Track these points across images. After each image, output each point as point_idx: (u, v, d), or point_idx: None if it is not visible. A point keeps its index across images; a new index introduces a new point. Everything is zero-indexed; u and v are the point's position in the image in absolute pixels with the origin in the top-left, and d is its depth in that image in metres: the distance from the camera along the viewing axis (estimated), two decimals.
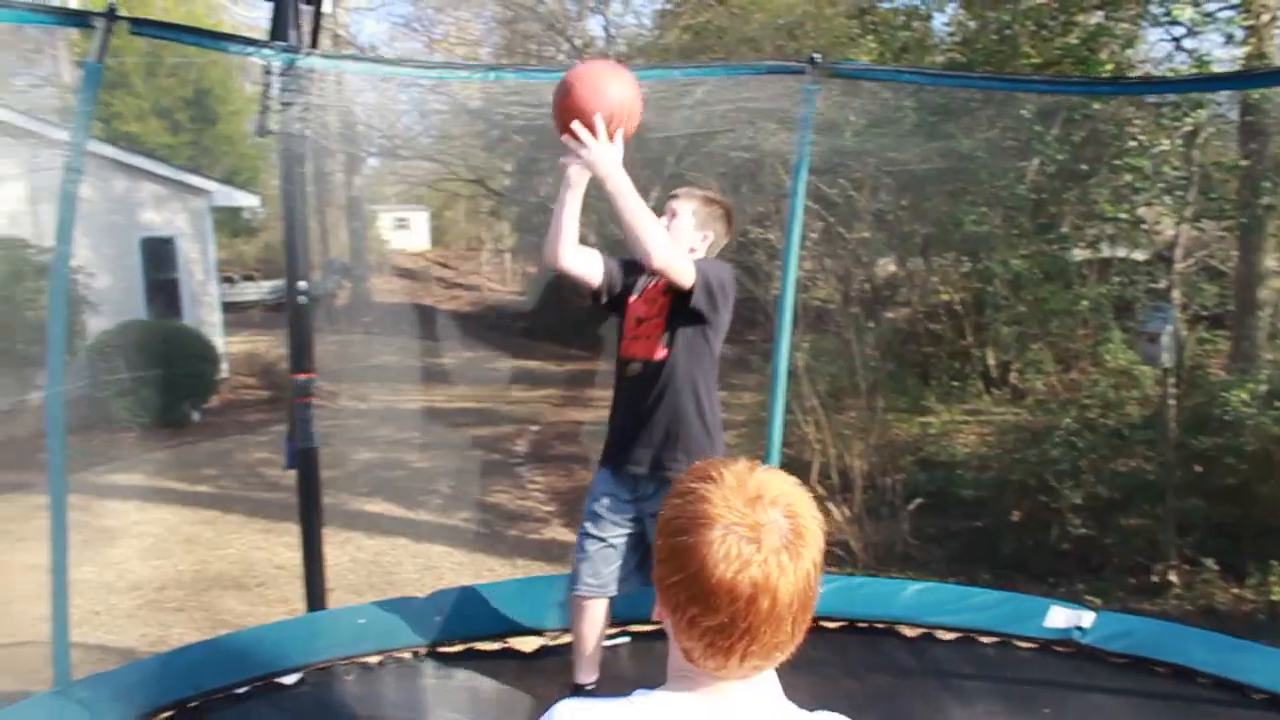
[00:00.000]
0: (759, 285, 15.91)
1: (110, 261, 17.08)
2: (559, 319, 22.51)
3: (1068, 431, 10.05)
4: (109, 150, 18.67)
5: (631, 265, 3.69)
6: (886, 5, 17.97)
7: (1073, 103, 12.30)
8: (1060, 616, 4.45)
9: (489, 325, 27.20)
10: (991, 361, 14.37)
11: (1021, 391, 13.65)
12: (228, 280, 27.34)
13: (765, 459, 4.85)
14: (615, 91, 3.07)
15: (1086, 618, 4.40)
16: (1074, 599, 7.67)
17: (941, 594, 4.81)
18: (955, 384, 13.86)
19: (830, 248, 17.02)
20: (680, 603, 1.27)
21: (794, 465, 10.87)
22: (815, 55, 4.49)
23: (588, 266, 3.65)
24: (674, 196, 3.73)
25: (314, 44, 3.99)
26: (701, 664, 1.30)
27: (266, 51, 3.67)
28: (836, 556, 10.02)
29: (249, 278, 31.89)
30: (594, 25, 16.83)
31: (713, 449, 3.61)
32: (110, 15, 3.17)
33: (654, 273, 3.43)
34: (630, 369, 3.65)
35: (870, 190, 14.30)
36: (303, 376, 3.80)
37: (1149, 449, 9.89)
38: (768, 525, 1.26)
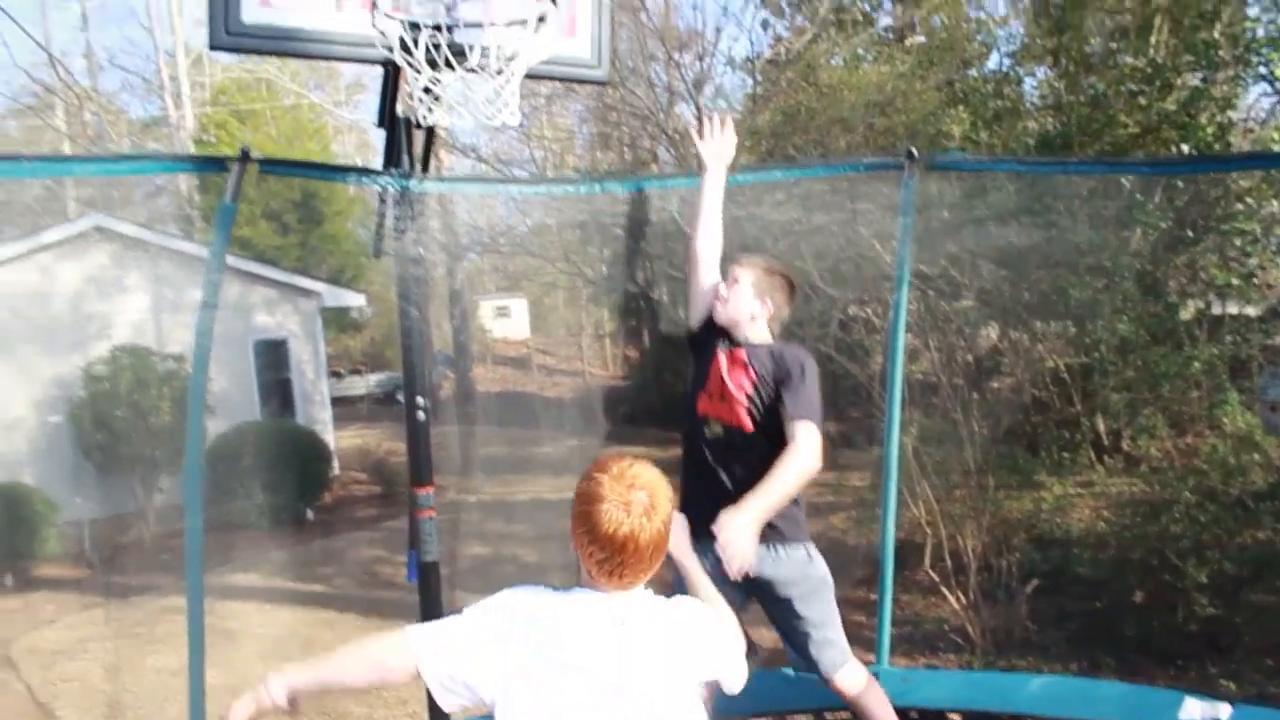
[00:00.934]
0: (859, 363, 15.84)
1: (226, 365, 17.67)
2: (661, 402, 22.58)
3: (1188, 505, 9.72)
4: (227, 259, 19.40)
5: (715, 326, 3.76)
6: (974, 73, 18.07)
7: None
8: (1195, 709, 4.29)
9: (592, 410, 27.40)
10: (1102, 429, 14.01)
11: (1135, 459, 13.27)
12: (335, 375, 28.07)
13: (881, 544, 4.84)
14: None
15: (1223, 710, 4.24)
16: (1205, 684, 7.38)
17: (1067, 687, 4.70)
18: (1065, 454, 13.51)
19: (931, 319, 16.90)
20: (584, 545, 2.17)
21: (906, 549, 10.71)
22: (912, 149, 4.52)
23: (701, 279, 3.84)
24: (736, 264, 3.78)
25: (425, 167, 4.15)
26: (597, 580, 2.21)
27: (382, 180, 3.84)
28: (954, 643, 9.79)
29: (356, 371, 32.71)
30: (686, 113, 17.10)
31: (799, 513, 3.61)
32: (244, 158, 3.36)
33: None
34: (710, 429, 3.64)
35: (970, 263, 14.21)
36: (423, 490, 3.89)
37: (1277, 520, 9.50)
38: (634, 501, 2.14)
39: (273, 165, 3.43)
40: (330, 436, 20.07)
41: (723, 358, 3.66)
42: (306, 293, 20.23)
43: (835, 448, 17.95)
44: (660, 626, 2.24)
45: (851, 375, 15.78)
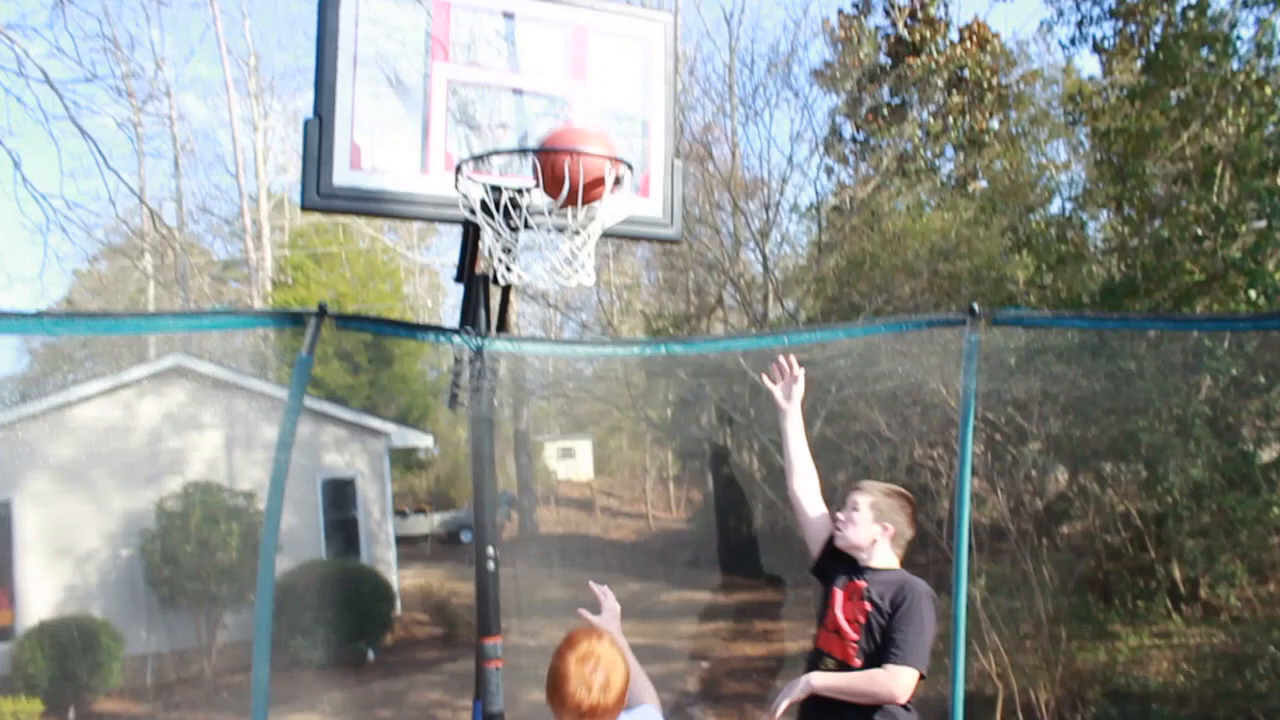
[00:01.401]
0: (925, 509, 15.64)
1: (294, 503, 17.88)
2: (725, 547, 22.39)
3: (1273, 658, 9.37)
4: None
5: (838, 551, 3.79)
6: (1037, 218, 18.22)
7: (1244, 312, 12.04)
8: None
9: (655, 554, 27.19)
10: (1178, 576, 13.62)
11: (1214, 608, 12.85)
12: (400, 514, 28.21)
13: (950, 698, 4.75)
14: None
15: None
16: None
17: None
18: (1140, 603, 13.13)
19: (998, 464, 16.71)
20: (558, 712, 2.64)
21: (976, 702, 10.39)
22: (974, 305, 4.57)
23: (808, 514, 3.96)
24: (855, 489, 3.81)
25: (502, 323, 4.29)
26: None
27: (457, 339, 3.99)
28: None
29: (420, 510, 32.81)
30: (752, 259, 17.39)
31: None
32: (321, 313, 3.52)
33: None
34: (825, 664, 3.66)
35: (1036, 408, 14.10)
36: (491, 641, 3.92)
37: None
38: (594, 681, 2.60)
39: (347, 321, 3.57)
40: (394, 576, 20.09)
41: (839, 594, 3.70)
42: (375, 432, 20.53)
43: None
44: None
45: (917, 522, 15.60)
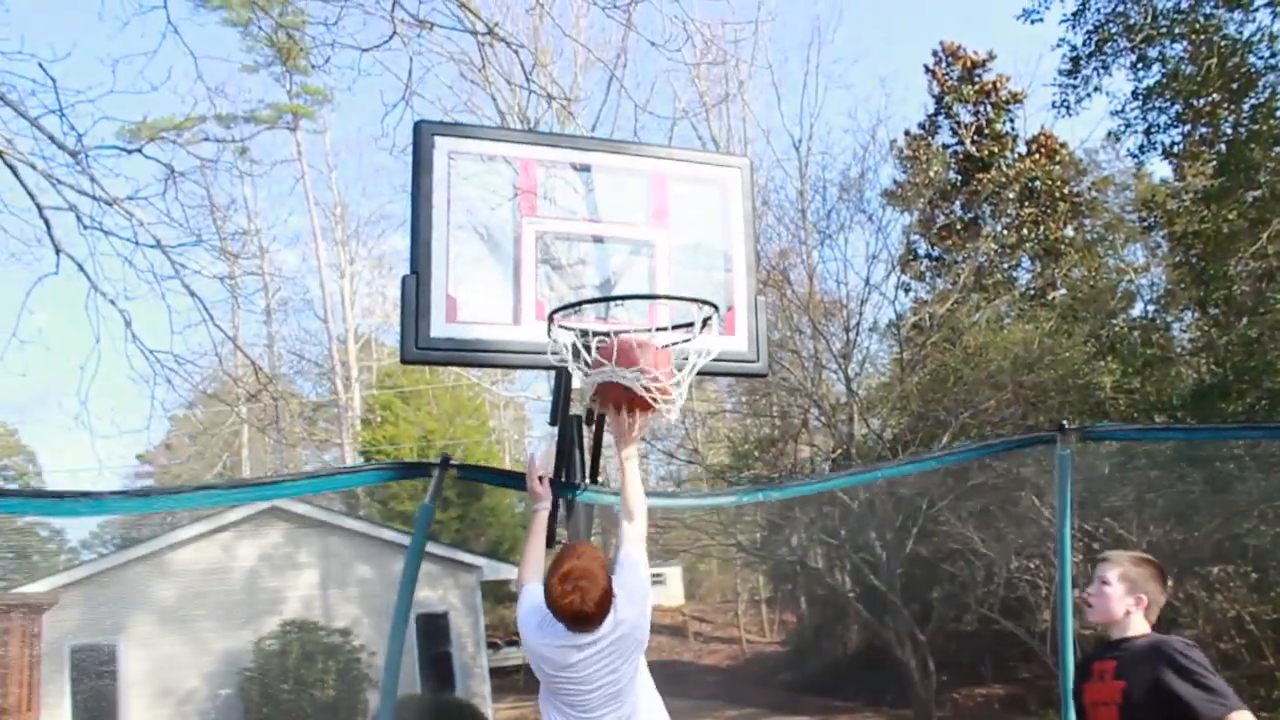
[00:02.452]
0: (1025, 623, 15.27)
1: (389, 639, 18.01)
2: (821, 669, 21.95)
3: None
4: (387, 534, 20.12)
5: (1085, 662, 3.77)
6: (1120, 322, 18.06)
7: None
8: None
9: (751, 679, 26.68)
10: None
11: None
12: (493, 646, 28.13)
13: None
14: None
15: None
16: None
17: None
18: (1264, 714, 12.58)
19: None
20: (558, 616, 3.38)
21: None
22: (1064, 422, 4.61)
23: None
24: (1103, 561, 3.73)
25: (595, 464, 4.43)
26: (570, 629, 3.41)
27: (556, 486, 4.14)
28: None
29: (512, 643, 32.66)
30: (835, 380, 17.43)
31: None
32: (444, 464, 3.69)
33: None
34: None
35: (1135, 516, 13.82)
36: None
37: None
38: (577, 591, 3.33)
39: (468, 471, 3.75)
40: (489, 709, 20.00)
41: (1090, 687, 3.64)
42: (468, 567, 20.70)
43: (1007, 712, 17.11)
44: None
45: (1017, 637, 15.21)
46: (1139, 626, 3.61)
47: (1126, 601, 3.59)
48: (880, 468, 4.92)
